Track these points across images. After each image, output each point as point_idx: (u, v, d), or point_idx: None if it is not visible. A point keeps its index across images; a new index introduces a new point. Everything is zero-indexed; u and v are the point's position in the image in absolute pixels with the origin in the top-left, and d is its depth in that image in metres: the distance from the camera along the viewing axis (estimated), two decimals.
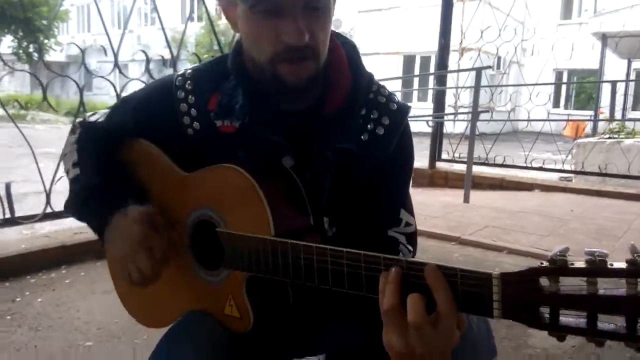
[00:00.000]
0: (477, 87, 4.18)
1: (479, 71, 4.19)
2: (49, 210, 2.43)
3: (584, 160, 5.23)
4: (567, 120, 7.81)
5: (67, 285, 2.23)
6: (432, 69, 13.46)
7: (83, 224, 1.01)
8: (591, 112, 11.85)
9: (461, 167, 4.97)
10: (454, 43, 5.41)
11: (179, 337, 0.87)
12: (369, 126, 0.92)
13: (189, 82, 0.96)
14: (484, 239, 3.02)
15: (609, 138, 5.74)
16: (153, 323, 1.03)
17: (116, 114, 1.04)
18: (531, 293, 0.62)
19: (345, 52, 0.95)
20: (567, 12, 17.62)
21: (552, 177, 5.69)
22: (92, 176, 0.97)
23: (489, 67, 4.52)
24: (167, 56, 2.85)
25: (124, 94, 1.81)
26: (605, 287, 0.61)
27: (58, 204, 2.36)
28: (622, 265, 0.60)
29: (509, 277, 0.63)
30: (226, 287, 0.89)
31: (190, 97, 0.95)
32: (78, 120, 1.10)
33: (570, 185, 5.11)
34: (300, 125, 0.91)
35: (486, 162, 5.22)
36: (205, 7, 3.08)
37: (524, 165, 5.11)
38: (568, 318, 0.62)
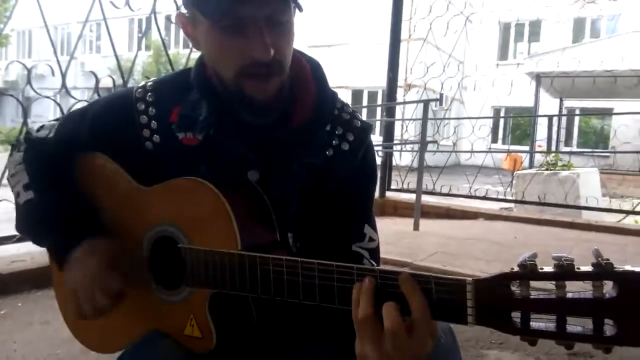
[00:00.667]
0: (424, 119, 4.33)
1: (426, 103, 4.36)
2: None
3: (524, 191, 5.50)
4: (508, 152, 8.23)
5: (2, 317, 2.05)
6: (379, 103, 13.89)
7: (22, 251, 0.95)
8: (527, 147, 12.55)
9: (409, 196, 5.09)
10: (399, 79, 5.62)
11: (135, 358, 0.82)
12: (334, 142, 0.93)
13: (149, 93, 0.94)
14: (435, 264, 3.08)
15: (546, 170, 6.08)
16: (105, 347, 0.96)
17: (68, 126, 0.98)
18: (503, 298, 0.63)
19: (310, 67, 0.96)
20: (503, 54, 18.79)
21: (494, 207, 5.93)
22: (50, 200, 0.92)
23: (436, 99, 4.72)
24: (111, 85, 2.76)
25: None
26: (573, 290, 0.63)
27: None
28: (589, 268, 0.62)
29: (482, 283, 0.64)
30: (187, 306, 0.85)
31: (150, 109, 0.93)
32: (22, 135, 1.02)
33: (512, 214, 5.34)
34: (265, 138, 0.90)
35: (433, 191, 5.38)
36: (161, 35, 3.03)
37: (469, 194, 5.30)
38: (538, 323, 0.63)
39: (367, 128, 0.98)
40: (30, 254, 2.23)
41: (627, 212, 5.17)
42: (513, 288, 0.64)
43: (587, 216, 5.43)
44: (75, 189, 0.94)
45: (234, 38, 0.80)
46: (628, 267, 0.60)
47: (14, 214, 0.96)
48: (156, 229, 0.88)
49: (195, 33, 0.87)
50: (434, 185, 5.33)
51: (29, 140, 0.98)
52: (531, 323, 0.63)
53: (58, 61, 2.33)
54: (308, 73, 0.95)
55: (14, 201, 0.96)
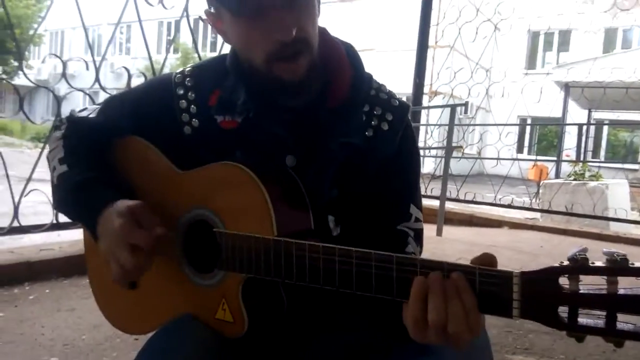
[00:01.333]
0: (451, 124, 4.29)
1: (453, 108, 4.32)
2: (15, 224, 2.30)
3: (551, 200, 5.38)
4: (535, 161, 8.09)
5: (31, 302, 2.10)
6: None
7: (50, 240, 0.95)
8: (554, 158, 12.31)
9: (432, 202, 5.03)
10: (424, 86, 5.58)
11: (164, 342, 0.82)
12: (372, 122, 0.92)
13: (188, 79, 0.95)
14: None
15: (574, 180, 5.95)
16: (135, 328, 0.96)
17: (109, 110, 0.99)
18: (551, 292, 0.61)
19: (344, 48, 0.95)
20: (531, 63, 18.51)
21: (518, 216, 5.82)
22: (82, 172, 0.91)
23: (463, 104, 4.67)
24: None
25: None
26: (625, 287, 0.60)
27: (24, 219, 2.24)
28: None
29: (529, 275, 0.62)
30: (220, 290, 0.84)
31: (190, 93, 0.93)
32: (65, 116, 1.04)
33: (537, 223, 5.23)
34: (303, 120, 0.90)
35: (457, 198, 5.30)
36: (193, 35, 3.06)
37: (494, 202, 5.22)
38: (587, 319, 0.61)
39: (406, 107, 0.97)
40: (59, 243, 2.28)
41: None
42: (561, 282, 0.61)
43: (615, 228, 5.29)
44: (110, 168, 0.95)
45: (256, 25, 0.81)
46: None
47: (41, 207, 0.97)
48: (192, 213, 0.88)
49: (222, 28, 0.89)
50: (457, 192, 5.26)
51: (71, 119, 1.00)
52: (579, 319, 0.61)
53: (94, 59, 2.37)
54: (342, 54, 0.94)
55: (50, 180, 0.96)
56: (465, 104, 6.22)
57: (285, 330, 0.89)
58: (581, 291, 0.61)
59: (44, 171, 1.20)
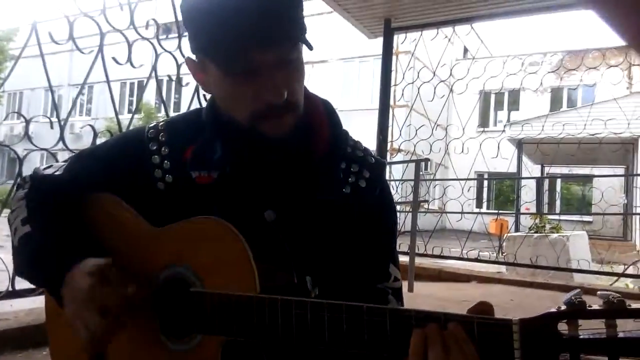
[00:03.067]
0: (416, 179, 4.37)
1: (417, 163, 4.42)
2: None
3: (515, 253, 5.46)
4: (498, 214, 8.28)
5: None
6: None
7: (4, 309, 0.87)
8: (506, 214, 12.67)
9: (402, 258, 5.02)
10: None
11: None
12: (350, 179, 0.91)
13: (162, 134, 0.92)
14: None
15: (536, 232, 6.10)
16: None
17: (77, 167, 0.94)
18: (551, 339, 0.60)
19: (322, 104, 0.96)
20: (484, 122, 19.40)
21: (485, 270, 5.86)
22: (47, 232, 0.85)
23: (427, 159, 4.78)
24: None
25: None
26: (625, 330, 0.59)
27: None
28: None
29: (528, 323, 0.60)
30: (197, 356, 0.78)
31: (163, 148, 0.90)
32: (28, 174, 0.98)
33: (504, 277, 5.28)
34: (282, 175, 0.88)
35: (425, 253, 5.32)
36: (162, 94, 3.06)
37: (461, 256, 5.26)
38: None
39: (382, 164, 0.98)
40: (15, 312, 2.10)
41: (619, 275, 5.14)
42: (560, 328, 0.60)
43: (578, 279, 5.39)
44: (78, 227, 0.89)
45: (246, 83, 0.80)
46: None
47: None
48: (167, 271, 0.83)
49: (205, 78, 0.87)
50: (425, 247, 5.28)
51: (35, 176, 0.94)
52: None
53: (59, 119, 2.31)
54: (322, 110, 0.95)
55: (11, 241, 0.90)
56: (427, 160, 6.39)
57: None
58: (581, 336, 0.59)
59: None
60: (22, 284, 1.98)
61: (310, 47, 0.83)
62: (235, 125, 0.85)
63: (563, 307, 0.60)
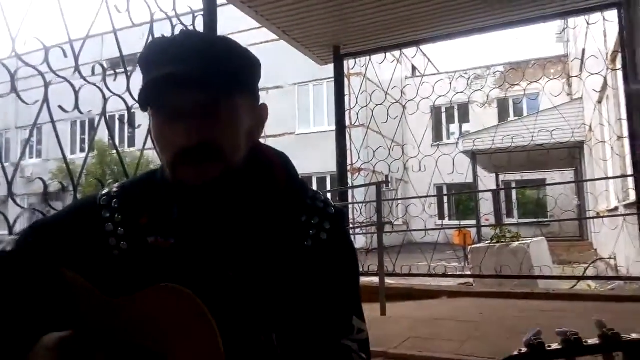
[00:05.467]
0: (378, 201, 4.41)
1: (378, 185, 4.47)
2: None
3: (480, 264, 5.59)
4: (459, 228, 8.45)
5: None
6: (329, 188, 14.14)
7: None
8: (473, 222, 12.99)
9: (371, 279, 5.04)
10: (347, 165, 5.82)
11: None
12: (311, 231, 0.90)
13: (115, 200, 0.89)
14: (409, 350, 2.98)
15: (497, 242, 6.26)
16: None
17: (28, 239, 0.89)
18: None
19: (278, 158, 0.95)
20: (438, 136, 19.94)
21: (454, 283, 5.95)
22: None
23: (386, 182, 4.85)
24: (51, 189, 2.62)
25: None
26: None
27: None
28: (596, 341, 0.60)
29: None
30: None
31: (117, 215, 0.88)
32: None
33: (472, 289, 5.36)
34: (240, 233, 0.87)
35: (394, 272, 5.36)
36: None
37: (429, 273, 5.33)
38: None
39: (342, 214, 0.97)
40: None
41: (579, 278, 5.33)
42: None
43: (543, 285, 5.54)
44: (32, 307, 0.84)
45: (165, 126, 0.81)
46: (635, 335, 0.60)
47: None
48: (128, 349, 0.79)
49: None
50: (394, 266, 5.32)
51: None
52: None
53: (3, 167, 2.21)
54: (277, 163, 0.94)
55: None
56: (387, 180, 6.50)
57: None
58: None
59: None
60: None
61: (255, 98, 0.86)
62: (166, 174, 0.85)
63: (524, 350, 0.61)
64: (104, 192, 0.91)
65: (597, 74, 4.52)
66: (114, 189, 0.91)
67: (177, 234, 0.85)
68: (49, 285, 0.86)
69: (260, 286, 0.84)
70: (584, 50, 8.59)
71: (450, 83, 6.16)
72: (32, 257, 0.87)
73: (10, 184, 2.06)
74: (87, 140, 18.41)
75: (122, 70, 2.62)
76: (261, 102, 0.93)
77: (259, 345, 0.80)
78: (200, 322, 0.73)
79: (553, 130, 5.42)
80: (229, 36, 0.91)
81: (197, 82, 0.78)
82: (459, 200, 19.33)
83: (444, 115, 20.05)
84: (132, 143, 17.36)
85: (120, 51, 2.68)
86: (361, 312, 0.93)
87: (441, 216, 16.53)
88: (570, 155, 13.18)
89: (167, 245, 0.84)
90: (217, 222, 0.87)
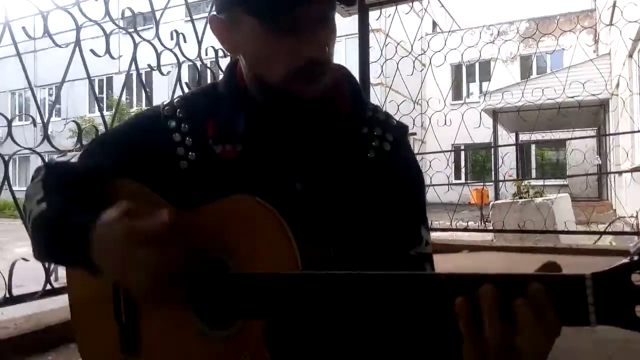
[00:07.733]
0: None
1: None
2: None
3: (503, 220, 5.54)
4: (483, 184, 8.38)
5: None
6: None
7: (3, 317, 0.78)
8: (490, 183, 12.85)
9: None
10: None
11: None
12: (374, 143, 0.88)
13: (179, 110, 0.87)
14: None
15: (521, 198, 6.20)
16: None
17: (92, 154, 0.89)
18: (625, 292, 0.57)
19: (339, 68, 0.92)
20: (457, 94, 19.55)
21: (472, 239, 5.94)
22: (65, 203, 0.77)
23: (413, 133, 4.78)
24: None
25: None
26: None
27: None
28: None
29: (602, 276, 0.58)
30: (239, 343, 0.74)
31: (183, 125, 0.86)
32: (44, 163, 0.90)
33: (494, 244, 5.35)
34: (307, 144, 0.85)
35: None
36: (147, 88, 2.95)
37: (451, 227, 5.32)
38: None
39: (405, 127, 0.95)
40: (14, 320, 2.01)
41: (602, 233, 5.27)
42: (634, 279, 0.58)
43: (565, 241, 5.51)
44: (98, 207, 0.82)
45: (287, 39, 0.76)
46: None
47: None
48: (200, 256, 0.78)
49: (233, 37, 0.82)
50: None
51: (50, 164, 0.87)
52: None
53: (41, 116, 2.20)
54: (341, 74, 0.92)
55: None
56: (413, 134, 6.39)
57: None
58: None
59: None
60: (19, 289, 1.90)
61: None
62: (263, 89, 0.81)
63: (635, 258, 0.58)
64: (166, 102, 0.89)
65: (635, 21, 4.30)
66: (176, 100, 0.89)
67: (244, 144, 0.83)
68: (113, 195, 0.82)
69: (326, 198, 0.83)
70: (615, 2, 8.21)
71: (477, 39, 5.92)
72: (97, 167, 0.85)
73: (45, 127, 2.05)
74: (104, 99, 18.40)
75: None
76: None
77: (328, 260, 0.79)
78: (275, 233, 0.72)
79: (578, 88, 5.22)
80: None
81: None
82: (475, 160, 19.13)
83: (464, 73, 19.60)
84: (148, 102, 17.32)
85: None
86: (427, 223, 0.91)
87: (457, 176, 16.41)
88: (594, 113, 12.86)
89: (235, 155, 0.82)
90: (285, 134, 0.84)
